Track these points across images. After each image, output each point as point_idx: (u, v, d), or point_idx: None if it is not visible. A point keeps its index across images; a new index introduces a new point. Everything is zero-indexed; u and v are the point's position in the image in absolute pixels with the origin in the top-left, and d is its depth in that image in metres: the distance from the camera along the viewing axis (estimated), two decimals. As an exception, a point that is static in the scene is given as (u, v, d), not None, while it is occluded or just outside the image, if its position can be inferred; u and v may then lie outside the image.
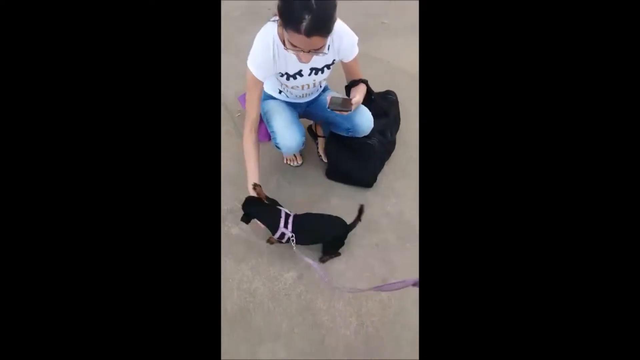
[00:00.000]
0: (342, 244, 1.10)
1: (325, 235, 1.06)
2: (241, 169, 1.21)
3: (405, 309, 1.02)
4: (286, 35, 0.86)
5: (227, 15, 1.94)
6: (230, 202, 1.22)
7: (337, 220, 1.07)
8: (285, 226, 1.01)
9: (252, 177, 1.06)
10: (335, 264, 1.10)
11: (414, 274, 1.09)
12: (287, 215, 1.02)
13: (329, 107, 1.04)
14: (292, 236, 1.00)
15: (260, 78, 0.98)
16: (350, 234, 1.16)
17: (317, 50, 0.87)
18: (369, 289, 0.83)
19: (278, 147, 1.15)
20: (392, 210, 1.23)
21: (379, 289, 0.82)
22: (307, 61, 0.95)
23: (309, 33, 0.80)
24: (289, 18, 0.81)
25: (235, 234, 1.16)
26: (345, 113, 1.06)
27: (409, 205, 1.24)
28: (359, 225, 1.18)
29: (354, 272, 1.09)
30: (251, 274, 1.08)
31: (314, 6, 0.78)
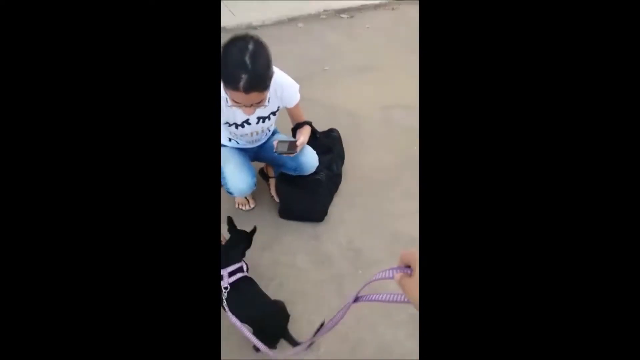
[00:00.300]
0: (275, 340, 0.92)
1: (256, 317, 0.91)
2: None
3: (363, 339, 1.02)
4: (228, 93, 0.94)
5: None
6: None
7: (278, 307, 0.94)
8: (230, 275, 0.92)
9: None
10: (292, 308, 1.07)
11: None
12: (240, 269, 0.94)
13: (275, 152, 1.12)
14: (226, 289, 0.90)
15: None
16: (303, 272, 1.18)
17: (258, 104, 0.96)
18: (310, 339, 0.78)
19: (230, 193, 1.18)
20: (342, 240, 1.28)
21: (331, 324, 0.77)
22: (251, 114, 1.02)
23: (246, 90, 0.89)
24: (227, 78, 0.90)
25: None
26: (291, 155, 1.14)
27: (358, 234, 1.29)
28: (312, 260, 1.21)
29: (310, 310, 1.09)
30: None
31: (249, 66, 0.88)
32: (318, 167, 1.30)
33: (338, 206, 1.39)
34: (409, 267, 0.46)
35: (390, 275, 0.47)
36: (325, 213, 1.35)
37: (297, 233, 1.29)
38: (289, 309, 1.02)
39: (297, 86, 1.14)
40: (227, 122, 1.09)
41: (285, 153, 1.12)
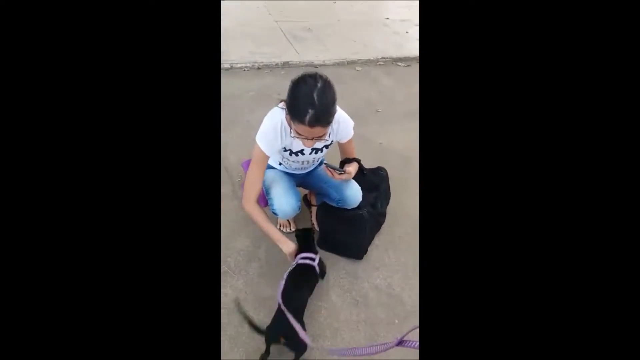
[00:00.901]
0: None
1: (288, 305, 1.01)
2: (231, 232, 1.34)
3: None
4: (293, 125, 1.04)
5: (242, 95, 2.30)
6: (218, 264, 1.25)
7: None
8: (302, 258, 1.12)
9: (279, 234, 1.17)
10: (320, 340, 1.08)
11: (402, 351, 1.07)
12: (312, 258, 1.14)
13: (325, 164, 1.19)
14: (293, 266, 1.11)
15: (267, 153, 1.13)
16: (337, 308, 1.17)
17: (320, 138, 1.05)
18: (354, 356, 0.79)
19: (275, 213, 1.25)
20: (381, 283, 1.26)
21: (363, 352, 0.77)
22: (310, 146, 1.11)
23: (311, 124, 0.98)
24: (294, 112, 1.00)
25: (218, 298, 1.16)
26: (337, 176, 1.19)
27: (398, 280, 1.27)
28: (347, 298, 1.20)
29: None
30: (228, 346, 1.05)
31: (316, 102, 0.96)
32: (362, 203, 1.34)
33: (380, 247, 1.39)
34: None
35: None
36: (365, 251, 1.35)
37: (335, 267, 1.30)
38: (318, 342, 1.02)
39: (352, 123, 1.23)
40: (283, 148, 1.19)
41: (334, 168, 1.18)
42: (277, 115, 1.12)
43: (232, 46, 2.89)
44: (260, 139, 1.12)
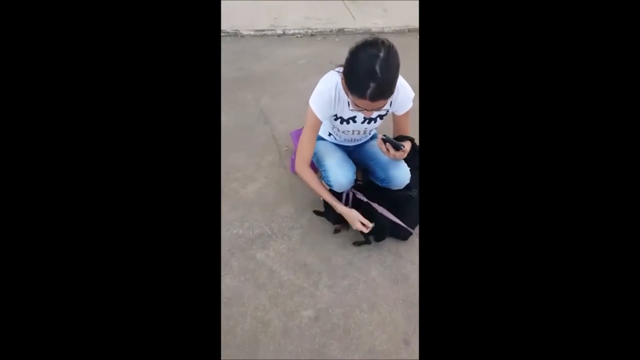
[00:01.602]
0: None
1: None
2: (276, 199, 1.41)
3: None
4: (350, 97, 0.95)
5: (294, 63, 2.32)
6: (261, 227, 1.34)
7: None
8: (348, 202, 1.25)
9: (339, 204, 1.23)
10: (358, 314, 1.12)
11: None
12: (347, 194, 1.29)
13: (383, 137, 1.13)
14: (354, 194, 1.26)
15: (320, 118, 1.11)
16: (376, 283, 1.19)
17: (380, 108, 0.98)
18: None
19: (330, 185, 1.24)
20: (425, 265, 1.24)
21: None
22: (369, 116, 1.07)
23: (373, 99, 0.90)
24: (354, 86, 0.91)
25: (260, 258, 1.26)
26: (392, 152, 1.14)
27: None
28: (387, 274, 1.21)
29: (376, 322, 1.10)
30: (268, 304, 1.14)
31: (379, 74, 0.86)
32: (413, 184, 1.30)
33: (426, 228, 1.36)
34: None
35: None
36: (411, 233, 1.33)
37: (377, 246, 1.31)
38: (355, 313, 1.08)
39: (412, 94, 1.14)
40: (334, 115, 1.16)
41: (393, 143, 1.12)
42: (332, 78, 1.09)
43: (287, 11, 2.89)
44: (314, 102, 1.10)
